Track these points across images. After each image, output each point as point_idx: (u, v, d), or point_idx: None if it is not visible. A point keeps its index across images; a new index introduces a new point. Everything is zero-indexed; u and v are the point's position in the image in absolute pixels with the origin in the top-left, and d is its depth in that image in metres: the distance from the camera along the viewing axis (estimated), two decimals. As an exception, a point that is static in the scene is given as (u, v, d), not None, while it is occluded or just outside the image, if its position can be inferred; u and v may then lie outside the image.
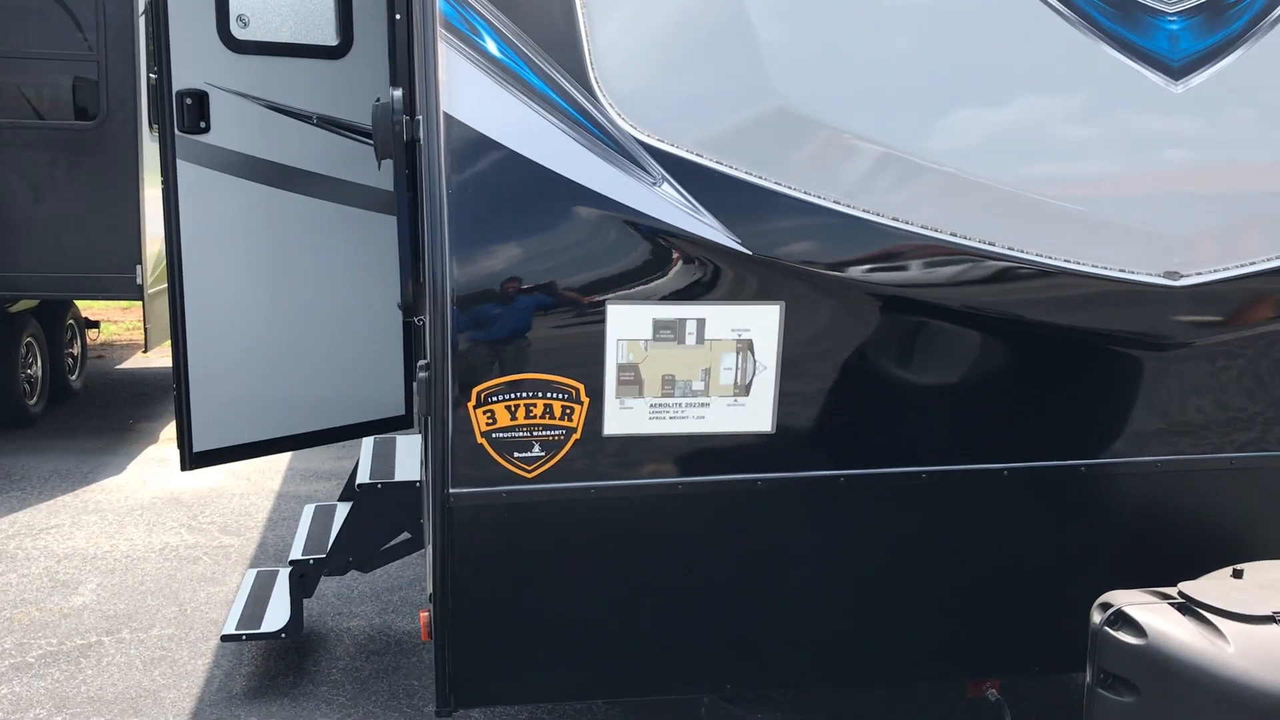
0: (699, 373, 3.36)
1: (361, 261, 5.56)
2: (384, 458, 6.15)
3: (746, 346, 3.34)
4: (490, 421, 3.30)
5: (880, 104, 3.29)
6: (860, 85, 3.28)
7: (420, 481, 5.77)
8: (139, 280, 9.03)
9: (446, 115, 3.18)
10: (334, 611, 6.66)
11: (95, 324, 12.14)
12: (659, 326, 3.31)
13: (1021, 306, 3.41)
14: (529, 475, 3.36)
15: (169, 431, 10.67)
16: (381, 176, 5.57)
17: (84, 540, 7.80)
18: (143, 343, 10.14)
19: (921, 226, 3.30)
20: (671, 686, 3.74)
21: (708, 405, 3.38)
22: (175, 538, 7.91)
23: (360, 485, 5.78)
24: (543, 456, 3.36)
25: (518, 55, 3.20)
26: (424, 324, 3.72)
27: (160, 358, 13.59)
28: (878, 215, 3.29)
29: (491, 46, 3.19)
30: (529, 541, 3.50)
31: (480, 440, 3.31)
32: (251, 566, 7.36)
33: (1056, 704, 5.41)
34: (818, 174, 3.25)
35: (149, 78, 9.11)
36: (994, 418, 3.51)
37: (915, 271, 3.35)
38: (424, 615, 4.04)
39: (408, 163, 3.68)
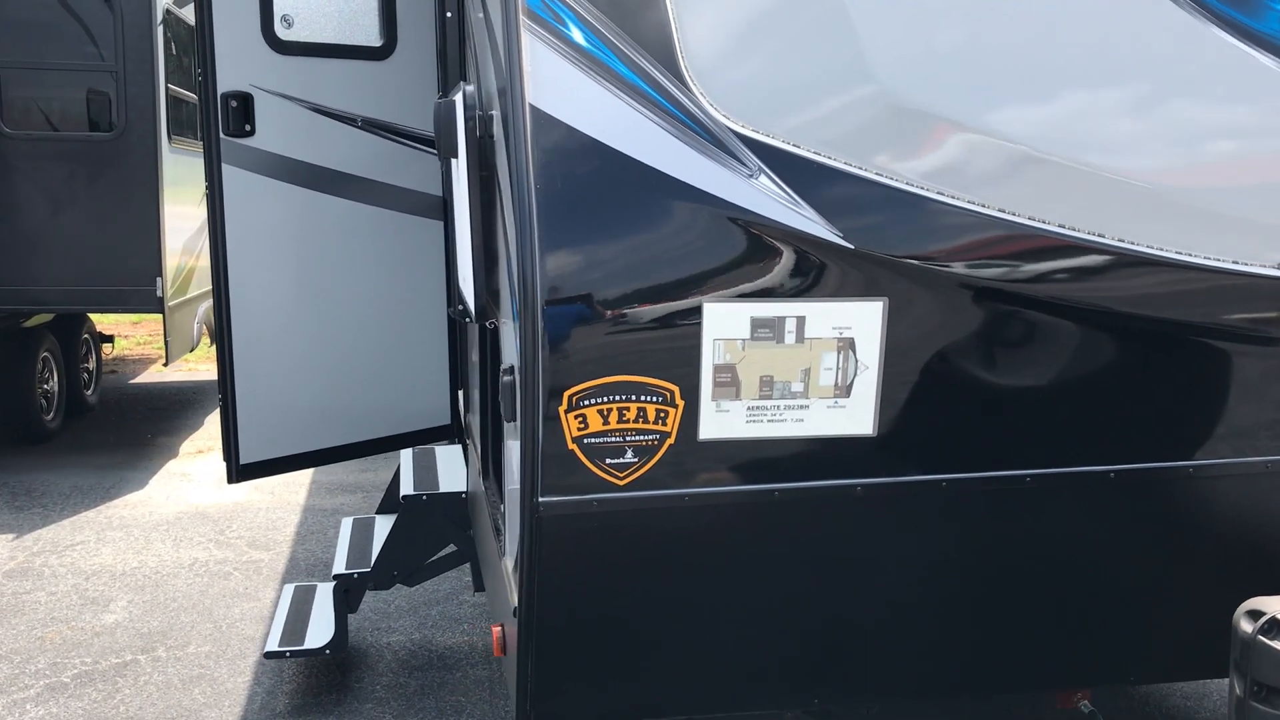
0: (798, 373, 3.18)
1: (405, 267, 5.38)
2: (425, 469, 5.97)
3: (848, 345, 3.16)
4: (582, 426, 3.12)
5: (986, 91, 3.12)
6: (965, 72, 3.11)
7: (466, 493, 5.59)
8: (159, 293, 8.83)
9: (533, 108, 3.00)
10: (373, 627, 6.46)
11: (110, 338, 11.92)
12: (757, 325, 3.13)
13: (1131, 301, 3.24)
14: (621, 483, 3.18)
15: (189, 445, 10.46)
16: (425, 180, 5.40)
17: (111, 556, 7.59)
18: (160, 356, 9.94)
19: (1028, 218, 3.13)
20: (759, 701, 3.56)
21: (807, 408, 3.20)
22: (203, 553, 7.71)
23: (405, 497, 5.59)
24: (635, 463, 3.18)
25: (605, 45, 3.03)
26: (501, 328, 3.55)
27: (175, 372, 13.38)
28: (983, 207, 3.12)
29: (578, 36, 3.02)
30: (619, 552, 3.31)
31: (571, 446, 3.12)
32: (284, 581, 7.16)
33: (1139, 716, 5.24)
34: (922, 165, 3.08)
35: (167, 88, 8.93)
36: (1101, 418, 3.33)
37: (1021, 266, 3.18)
38: (497, 631, 3.85)
39: (481, 162, 3.50)
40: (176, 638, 6.37)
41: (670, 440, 3.16)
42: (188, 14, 9.25)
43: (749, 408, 3.16)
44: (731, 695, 3.54)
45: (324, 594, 6.22)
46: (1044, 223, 3.14)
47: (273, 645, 5.61)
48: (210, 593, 7.02)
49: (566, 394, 3.08)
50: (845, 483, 3.27)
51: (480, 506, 4.74)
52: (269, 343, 4.99)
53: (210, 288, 4.89)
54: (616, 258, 3.07)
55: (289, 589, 6.34)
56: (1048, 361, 3.26)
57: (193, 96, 9.21)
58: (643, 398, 3.12)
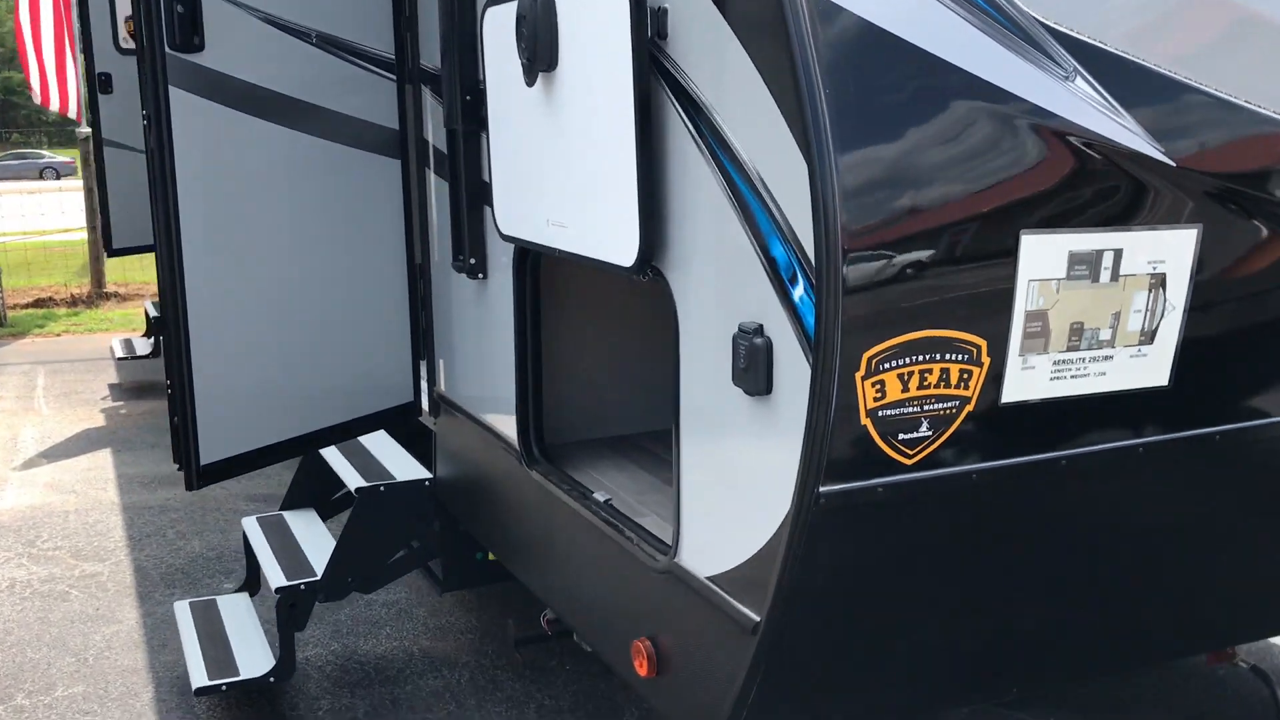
0: (1108, 318, 2.63)
1: (362, 214, 4.43)
2: (362, 455, 5.03)
3: (1159, 283, 2.64)
4: (879, 395, 2.45)
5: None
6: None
7: (430, 479, 4.72)
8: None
9: (817, -5, 2.30)
10: (275, 641, 5.43)
11: None
12: (1074, 261, 2.55)
13: None
14: (909, 462, 2.54)
15: (-58, 443, 8.76)
16: (381, 111, 4.45)
17: (-95, 586, 6.14)
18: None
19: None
20: (972, 696, 3.04)
21: (1110, 359, 2.66)
22: (20, 571, 6.36)
23: (359, 490, 4.65)
24: (928, 437, 2.54)
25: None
26: (672, 281, 2.81)
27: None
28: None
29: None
30: (893, 545, 2.68)
31: (864, 420, 2.45)
32: (140, 597, 5.98)
33: None
34: (1253, 75, 2.58)
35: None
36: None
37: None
38: (644, 645, 3.12)
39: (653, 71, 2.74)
40: (34, 680, 5.16)
41: (969, 407, 2.55)
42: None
43: (1055, 362, 2.59)
44: (964, 690, 3.00)
45: (234, 610, 5.18)
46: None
47: (201, 679, 4.58)
48: (52, 619, 5.77)
49: (866, 356, 2.41)
50: (1132, 443, 2.76)
51: (517, 495, 3.94)
52: (228, 315, 3.95)
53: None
54: (921, 181, 2.41)
55: (181, 608, 5.25)
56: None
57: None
58: (947, 356, 2.49)
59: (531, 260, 3.74)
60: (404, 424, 4.68)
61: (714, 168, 2.63)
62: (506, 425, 3.99)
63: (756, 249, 2.51)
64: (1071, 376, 2.62)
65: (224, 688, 4.57)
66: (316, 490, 5.43)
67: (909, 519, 2.61)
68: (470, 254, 3.98)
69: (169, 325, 3.79)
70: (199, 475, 3.86)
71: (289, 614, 4.64)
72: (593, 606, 3.50)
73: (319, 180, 4.18)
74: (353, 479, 4.74)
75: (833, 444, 2.42)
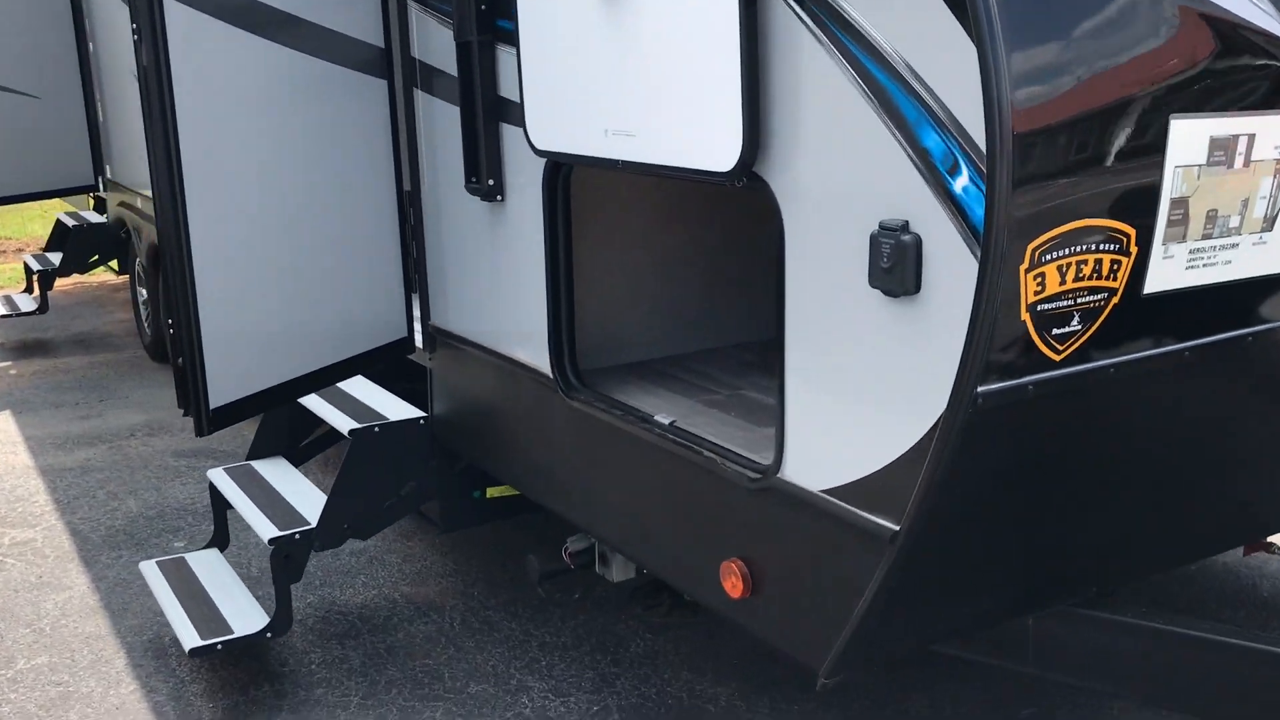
0: (1238, 205, 2.58)
1: (350, 138, 4.14)
2: (344, 399, 4.76)
3: (1282, 168, 2.60)
4: (1039, 289, 2.35)
5: None
6: None
7: (425, 417, 4.49)
8: None
9: None
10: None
11: None
12: (1214, 147, 2.49)
13: None
14: (1058, 358, 2.46)
15: None
16: (364, 26, 4.16)
17: None
18: None
19: None
20: (1066, 594, 3.02)
21: (1236, 246, 2.62)
22: (-58, 542, 5.90)
23: (352, 432, 4.40)
24: (1076, 331, 2.46)
25: None
26: (776, 189, 2.66)
27: None
28: None
29: None
30: (1033, 444, 2.60)
31: (1024, 315, 2.36)
32: (83, 560, 5.60)
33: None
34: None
35: None
36: None
37: None
38: (736, 566, 3.00)
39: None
40: (-9, 654, 4.78)
41: (1115, 299, 2.48)
42: None
43: (1190, 251, 2.54)
44: (1047, 592, 2.98)
45: (208, 567, 4.88)
46: None
47: (193, 640, 4.29)
48: (-6, 590, 5.36)
49: (1030, 248, 2.31)
50: (1246, 332, 2.74)
51: (551, 427, 3.76)
52: (230, 250, 3.64)
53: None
54: (1085, 65, 2.32)
55: (149, 569, 4.92)
56: None
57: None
58: (1101, 246, 2.41)
59: (564, 177, 3.53)
60: (398, 361, 4.42)
61: (839, 58, 2.48)
62: (533, 355, 3.79)
63: (901, 141, 2.37)
64: (1203, 265, 2.57)
65: (219, 647, 4.28)
66: (284, 436, 5.13)
67: (1051, 417, 2.53)
68: (488, 175, 3.75)
69: (170, 261, 3.47)
70: (210, 420, 3.56)
71: (284, 565, 4.38)
72: (661, 533, 3.36)
73: (306, 100, 3.88)
74: (343, 422, 4.47)
75: (993, 341, 2.31)
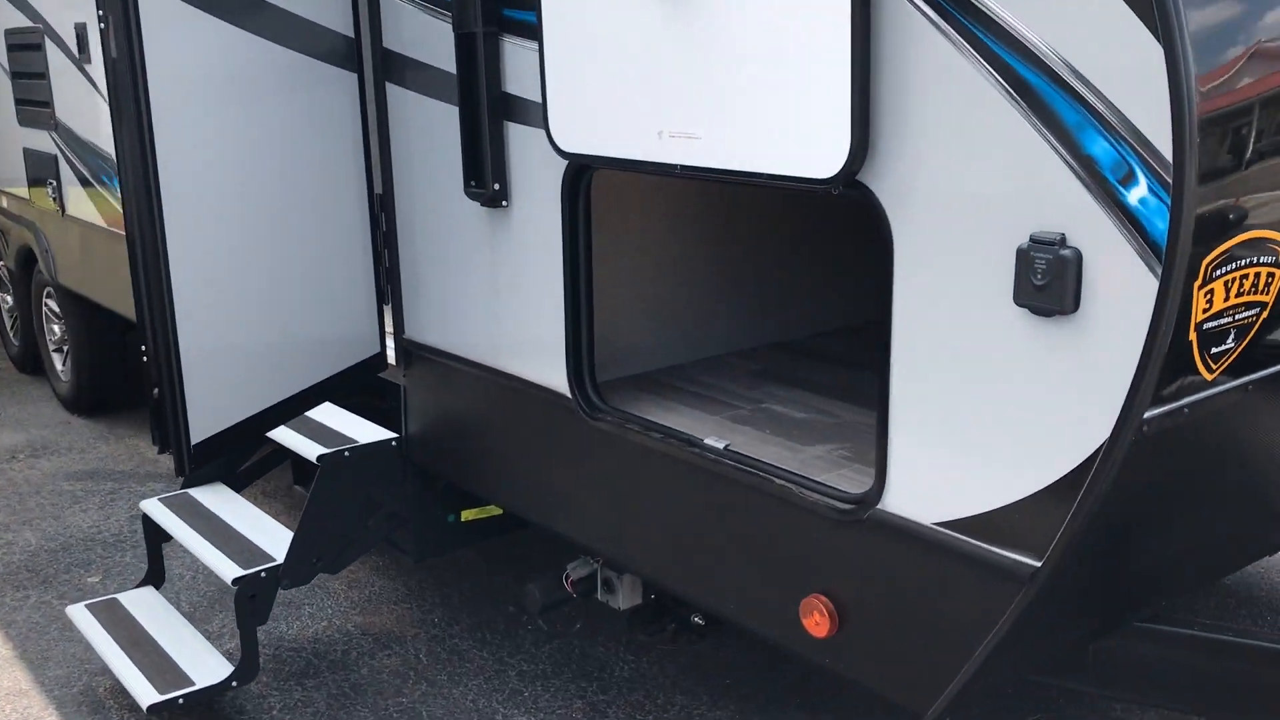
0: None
1: (319, 136, 3.75)
2: (306, 423, 4.34)
3: None
4: (1207, 306, 2.18)
5: None
6: None
7: (398, 439, 4.14)
8: None
9: None
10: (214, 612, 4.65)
11: None
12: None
13: None
14: (1210, 378, 2.30)
15: None
16: (331, 13, 3.77)
17: None
18: None
19: None
20: (1141, 608, 2.89)
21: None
22: None
23: (321, 458, 4.01)
24: (1230, 350, 2.30)
25: None
26: (883, 197, 2.43)
27: None
28: None
29: None
30: (1176, 468, 2.44)
31: (1191, 335, 2.18)
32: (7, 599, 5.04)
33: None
34: None
35: None
36: None
37: None
38: (820, 602, 2.77)
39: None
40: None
41: (1264, 314, 2.33)
42: None
43: (1326, 261, 2.40)
44: (1144, 599, 2.85)
45: (147, 608, 4.42)
46: None
47: (150, 695, 3.87)
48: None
49: (1205, 263, 2.13)
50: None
51: (569, 450, 3.46)
52: (207, 260, 3.22)
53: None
54: (1261, 65, 2.15)
55: (79, 613, 4.43)
56: None
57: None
58: (1260, 260, 2.26)
59: (586, 182, 3.23)
60: (371, 380, 4.04)
61: (974, 56, 2.26)
62: (543, 372, 3.48)
63: (1057, 148, 2.17)
64: (1336, 275, 2.43)
65: (181, 701, 3.85)
66: (221, 461, 4.68)
67: (1198, 439, 2.37)
68: (493, 179, 3.42)
69: (144, 274, 3.04)
70: (191, 457, 3.13)
71: (250, 607, 3.96)
72: (718, 567, 3.09)
73: (278, 94, 3.48)
74: (309, 448, 4.07)
75: (1164, 364, 2.13)
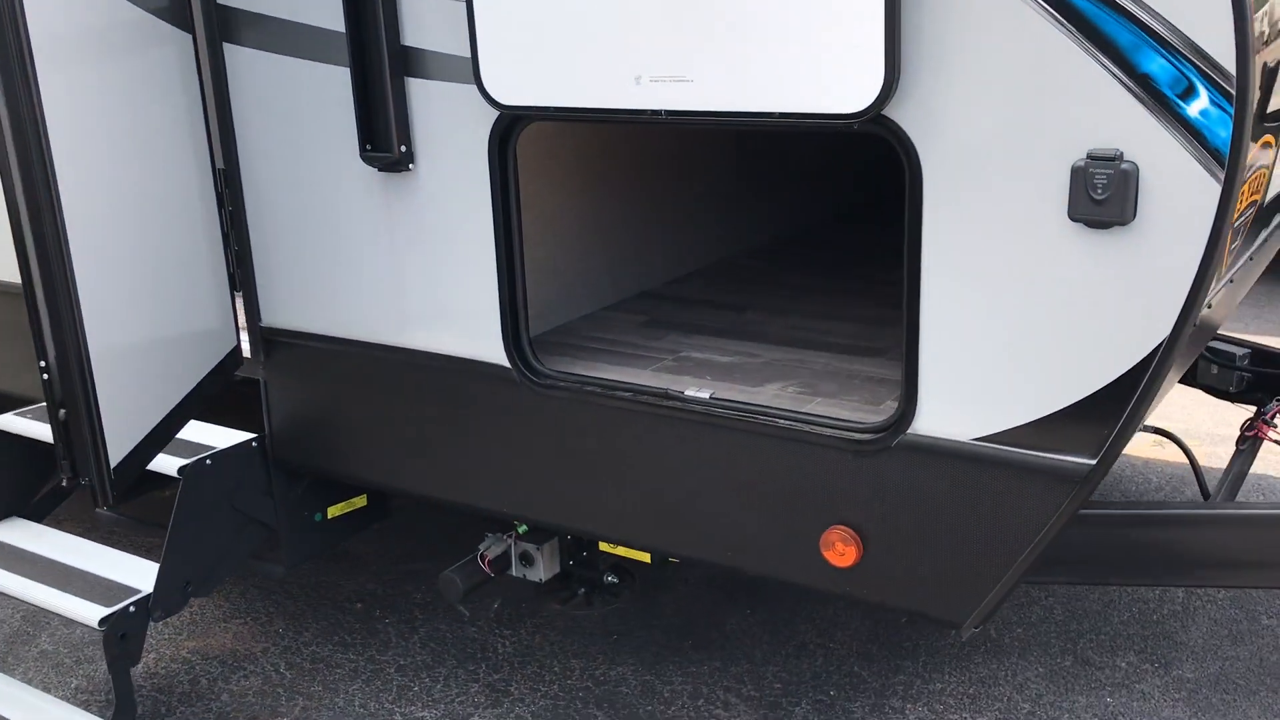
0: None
1: (152, 103, 3.32)
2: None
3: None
4: (1239, 205, 2.40)
5: None
6: None
7: (260, 437, 3.81)
8: None
9: None
10: (53, 671, 4.01)
11: None
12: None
13: None
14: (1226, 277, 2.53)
15: None
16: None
17: None
18: None
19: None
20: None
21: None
22: None
23: (182, 470, 3.60)
24: (1235, 248, 2.54)
25: None
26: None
27: None
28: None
29: None
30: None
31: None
32: None
33: None
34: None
35: None
36: None
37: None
38: (843, 533, 2.83)
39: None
40: None
41: (1253, 213, 2.59)
42: None
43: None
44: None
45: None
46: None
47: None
48: None
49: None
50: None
51: (512, 424, 3.30)
52: (104, 241, 2.77)
53: None
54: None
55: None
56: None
57: None
58: (1263, 163, 2.51)
59: (515, 137, 3.07)
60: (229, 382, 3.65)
61: (1018, -15, 2.34)
62: (469, 343, 3.29)
63: (1110, 68, 2.30)
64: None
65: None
66: (10, 492, 4.10)
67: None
68: (399, 141, 3.17)
69: (43, 269, 2.58)
70: (113, 484, 2.71)
71: (121, 647, 3.51)
72: (721, 520, 3.05)
73: (96, 55, 3.04)
74: (167, 462, 3.63)
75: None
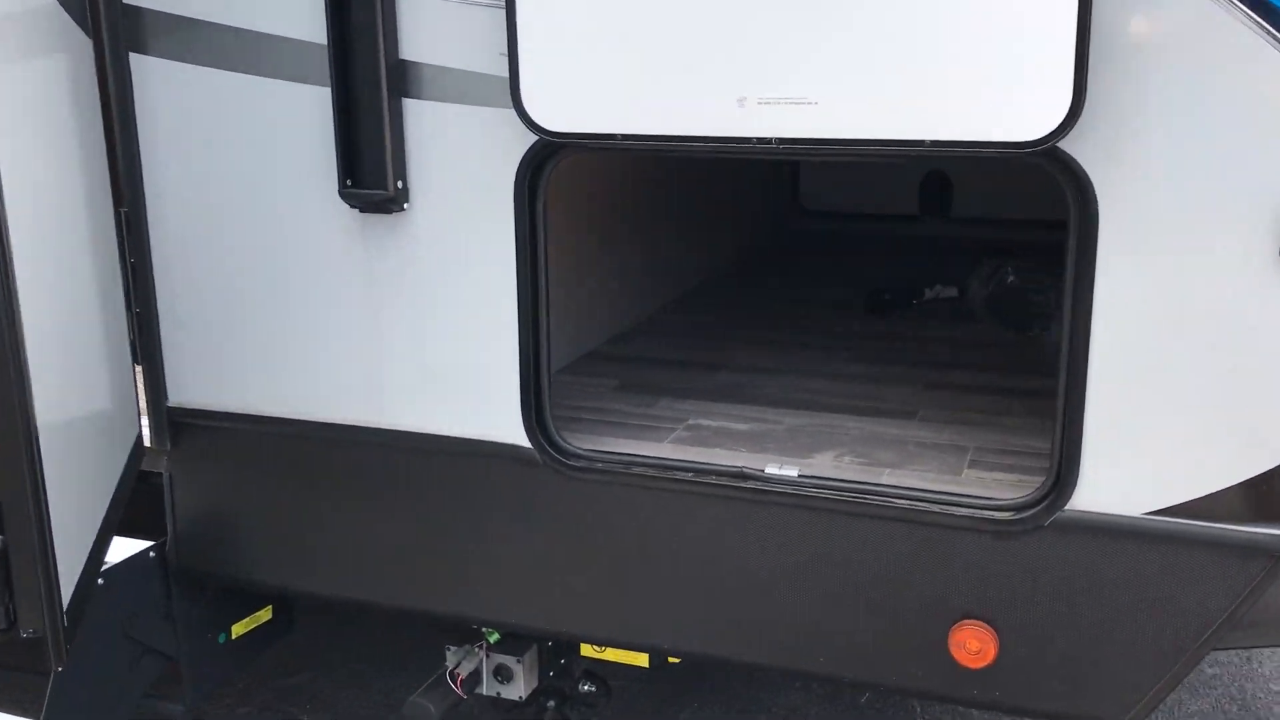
0: None
1: (43, 123, 2.58)
2: None
3: None
4: None
5: None
6: None
7: (160, 543, 3.07)
8: None
9: None
10: None
11: None
12: None
13: None
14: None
15: None
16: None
17: None
18: None
19: None
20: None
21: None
22: None
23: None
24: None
25: None
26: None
27: None
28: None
29: None
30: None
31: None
32: None
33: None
34: None
35: None
36: None
37: None
38: (976, 630, 2.46)
39: None
40: None
41: None
42: None
43: None
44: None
45: None
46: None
47: None
48: None
49: None
50: None
51: (531, 514, 2.73)
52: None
53: None
54: None
55: None
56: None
57: None
58: None
59: (550, 169, 2.55)
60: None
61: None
62: (468, 421, 2.71)
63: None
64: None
65: None
66: None
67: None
68: (395, 176, 2.57)
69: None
70: (67, 634, 1.97)
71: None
72: (807, 615, 2.59)
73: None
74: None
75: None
